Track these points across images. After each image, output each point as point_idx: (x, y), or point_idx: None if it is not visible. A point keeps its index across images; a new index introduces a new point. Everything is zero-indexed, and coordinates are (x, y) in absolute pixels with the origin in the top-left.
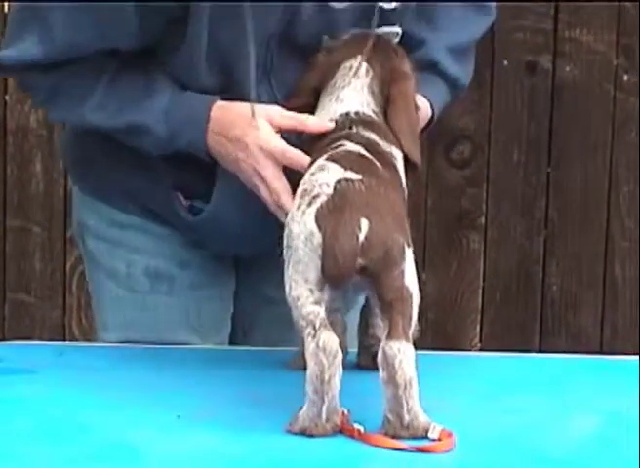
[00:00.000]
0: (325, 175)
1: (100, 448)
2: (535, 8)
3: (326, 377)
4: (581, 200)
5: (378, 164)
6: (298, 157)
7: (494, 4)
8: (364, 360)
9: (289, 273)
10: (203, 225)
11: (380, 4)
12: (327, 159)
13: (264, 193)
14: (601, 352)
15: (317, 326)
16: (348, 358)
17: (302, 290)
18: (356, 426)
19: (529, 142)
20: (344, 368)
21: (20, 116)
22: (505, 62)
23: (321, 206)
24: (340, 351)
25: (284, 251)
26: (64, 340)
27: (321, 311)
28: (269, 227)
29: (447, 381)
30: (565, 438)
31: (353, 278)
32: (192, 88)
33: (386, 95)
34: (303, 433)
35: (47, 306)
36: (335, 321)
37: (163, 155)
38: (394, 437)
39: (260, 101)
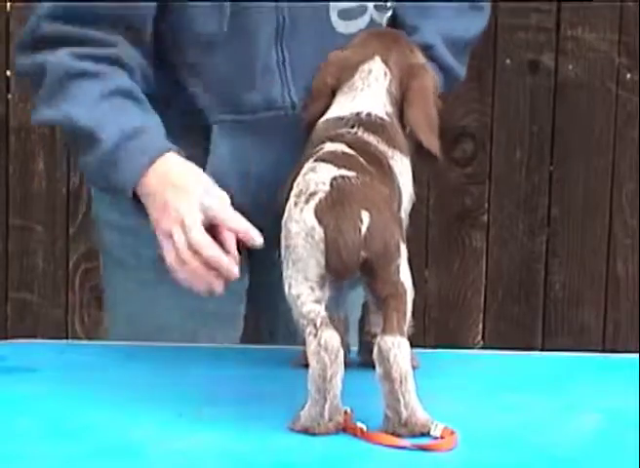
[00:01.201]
0: (319, 175)
1: (102, 445)
2: (537, 6)
3: (328, 376)
4: (584, 198)
5: (362, 160)
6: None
7: (488, 5)
8: (363, 356)
9: (288, 272)
10: None
11: None
12: (315, 160)
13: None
14: (603, 350)
15: (318, 324)
16: (351, 356)
17: (302, 288)
18: (359, 425)
19: (531, 141)
20: (347, 366)
21: (22, 114)
22: (508, 61)
23: (320, 201)
24: (341, 349)
25: (282, 251)
26: (67, 339)
27: (322, 309)
28: (268, 202)
29: (449, 379)
30: (567, 435)
31: (355, 272)
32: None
33: (403, 91)
34: (306, 432)
35: (49, 305)
36: (337, 319)
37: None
38: (394, 434)
39: (269, 67)
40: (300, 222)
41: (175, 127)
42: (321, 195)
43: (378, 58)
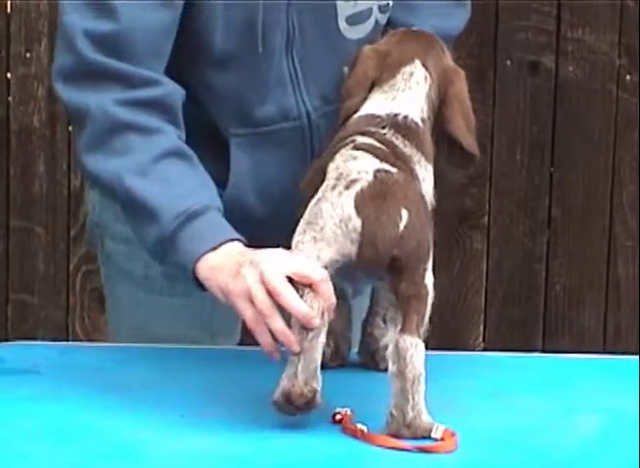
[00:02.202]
0: (361, 163)
1: (103, 447)
2: (537, 8)
3: (309, 336)
4: (584, 199)
5: (394, 158)
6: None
7: (469, 1)
8: (363, 357)
9: (303, 246)
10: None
11: None
12: (355, 149)
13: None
14: (604, 351)
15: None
16: (353, 358)
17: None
18: (359, 426)
19: (532, 142)
20: (347, 366)
21: (23, 117)
22: (508, 62)
23: (361, 190)
24: (325, 314)
25: (300, 225)
26: (67, 341)
27: None
28: (290, 213)
29: (450, 381)
30: (568, 437)
31: (384, 267)
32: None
33: (442, 96)
34: (286, 399)
35: (50, 307)
36: (340, 310)
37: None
38: (396, 435)
39: (281, 79)
40: (337, 207)
41: (194, 145)
42: (363, 184)
43: (418, 62)
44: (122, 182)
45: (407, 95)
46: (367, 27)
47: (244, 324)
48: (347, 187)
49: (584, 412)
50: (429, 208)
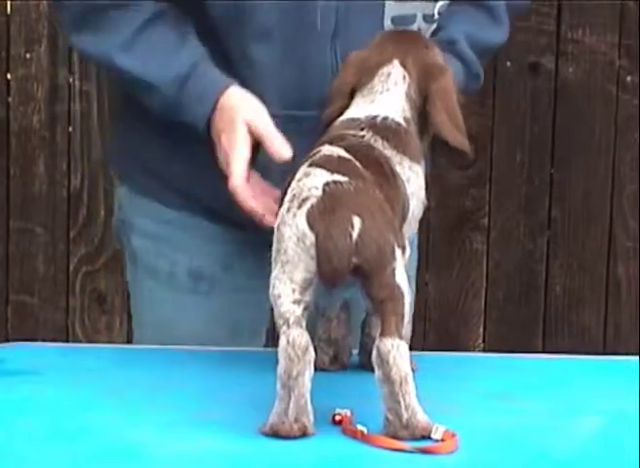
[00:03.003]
0: (312, 180)
1: (103, 448)
2: (537, 9)
3: (294, 373)
4: (585, 200)
5: (358, 164)
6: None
7: (507, 22)
8: (362, 358)
9: (275, 273)
10: None
11: None
12: (310, 165)
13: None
14: (604, 352)
15: (290, 322)
16: (353, 359)
17: (285, 288)
18: (359, 427)
19: (532, 143)
20: (347, 368)
21: (23, 118)
22: (508, 63)
23: (312, 207)
24: (311, 349)
25: (272, 254)
26: (67, 341)
27: (297, 310)
28: None
29: (450, 382)
30: (568, 438)
31: (347, 277)
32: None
33: (424, 93)
34: (275, 434)
35: (50, 308)
36: (335, 320)
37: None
38: (395, 437)
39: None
40: (293, 227)
41: None
42: (313, 201)
43: (396, 62)
44: (112, 62)
45: (385, 96)
46: None
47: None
48: (300, 207)
49: (584, 413)
50: (419, 208)
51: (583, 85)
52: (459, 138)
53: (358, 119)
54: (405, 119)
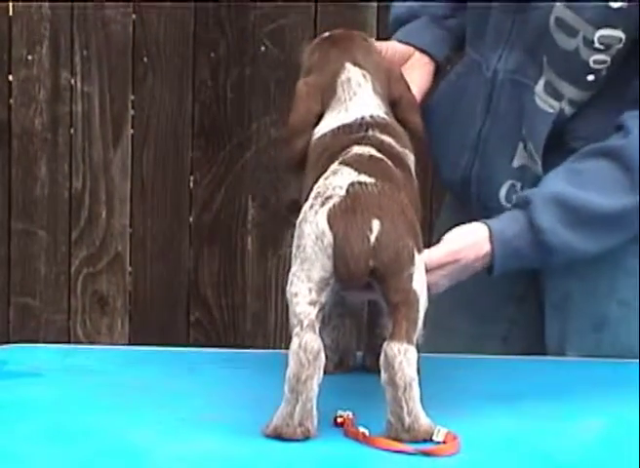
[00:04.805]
0: (338, 179)
1: (103, 449)
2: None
3: (303, 377)
4: None
5: (390, 164)
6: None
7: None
8: (369, 361)
9: (293, 270)
10: None
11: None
12: (340, 163)
13: None
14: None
15: (304, 325)
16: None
17: (302, 287)
18: (361, 429)
19: None
20: (351, 370)
21: (24, 119)
22: None
23: (333, 206)
24: (322, 355)
25: (293, 250)
26: (69, 343)
27: (313, 312)
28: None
29: (452, 384)
30: (569, 441)
31: (364, 280)
32: None
33: (390, 98)
34: (277, 436)
35: (51, 309)
36: (347, 323)
37: None
38: (396, 440)
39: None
40: (313, 225)
41: None
42: (336, 200)
43: (348, 65)
44: None
45: (356, 100)
46: (555, 106)
47: None
48: (322, 205)
49: (585, 416)
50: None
51: None
52: (419, 122)
53: (350, 123)
54: (386, 113)
